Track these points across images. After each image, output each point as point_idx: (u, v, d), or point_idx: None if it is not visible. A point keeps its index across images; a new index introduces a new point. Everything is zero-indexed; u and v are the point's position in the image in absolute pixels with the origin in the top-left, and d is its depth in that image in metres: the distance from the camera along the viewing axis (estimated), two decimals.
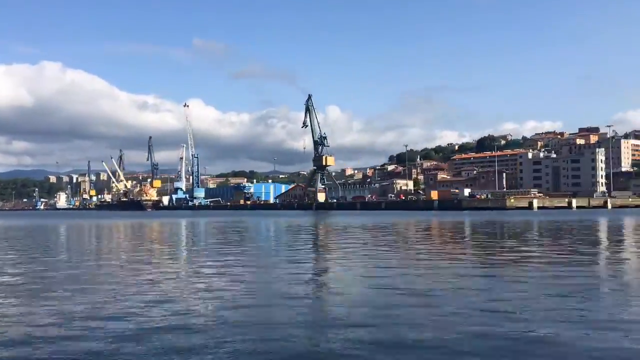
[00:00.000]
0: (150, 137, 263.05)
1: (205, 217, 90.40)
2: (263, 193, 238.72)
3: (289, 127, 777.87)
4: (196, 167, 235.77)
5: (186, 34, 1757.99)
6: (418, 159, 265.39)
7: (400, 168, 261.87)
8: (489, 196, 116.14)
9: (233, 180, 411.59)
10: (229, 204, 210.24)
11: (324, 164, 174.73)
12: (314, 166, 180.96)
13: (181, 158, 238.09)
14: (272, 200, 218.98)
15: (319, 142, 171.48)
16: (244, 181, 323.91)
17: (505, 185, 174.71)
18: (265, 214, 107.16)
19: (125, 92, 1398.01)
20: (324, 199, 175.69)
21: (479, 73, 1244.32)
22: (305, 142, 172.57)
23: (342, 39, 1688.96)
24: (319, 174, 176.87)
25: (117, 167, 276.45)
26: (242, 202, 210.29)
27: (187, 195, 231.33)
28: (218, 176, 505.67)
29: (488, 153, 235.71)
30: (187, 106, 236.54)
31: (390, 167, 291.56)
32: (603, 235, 34.10)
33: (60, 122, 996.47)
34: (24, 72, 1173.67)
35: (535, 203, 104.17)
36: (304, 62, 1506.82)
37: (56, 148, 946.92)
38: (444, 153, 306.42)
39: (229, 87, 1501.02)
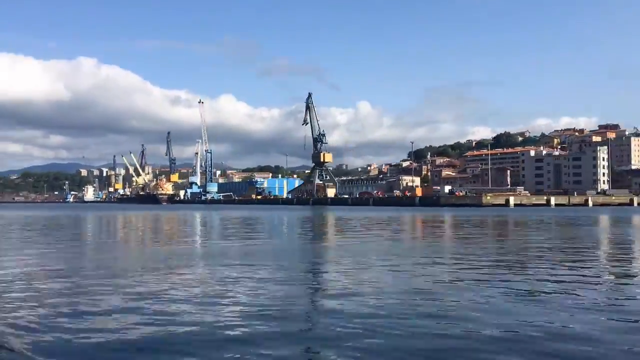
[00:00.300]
0: (168, 133, 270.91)
1: (200, 210, 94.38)
2: (277, 188, 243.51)
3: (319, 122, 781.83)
4: (209, 162, 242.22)
5: (217, 30, 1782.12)
6: (428, 156, 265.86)
7: (415, 164, 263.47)
8: (467, 193, 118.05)
9: (258, 175, 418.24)
10: (238, 198, 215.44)
11: (322, 160, 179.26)
12: (312, 162, 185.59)
13: (196, 153, 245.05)
14: (285, 195, 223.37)
15: (318, 140, 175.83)
16: (269, 176, 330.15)
17: (509, 183, 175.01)
18: (259, 208, 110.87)
19: (158, 87, 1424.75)
20: (334, 194, 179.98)
21: (512, 68, 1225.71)
22: (305, 139, 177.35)
23: (371, 34, 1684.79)
24: (317, 170, 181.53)
25: (135, 161, 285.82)
26: (252, 196, 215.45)
27: (202, 190, 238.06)
28: (244, 170, 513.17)
29: (499, 150, 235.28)
30: (202, 103, 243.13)
31: (405, 164, 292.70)
32: (497, 226, 36.63)
33: (95, 117, 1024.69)
34: (61, 68, 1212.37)
35: (512, 200, 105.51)
36: (333, 59, 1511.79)
37: (91, 142, 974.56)
38: (461, 150, 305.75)
39: (259, 83, 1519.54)
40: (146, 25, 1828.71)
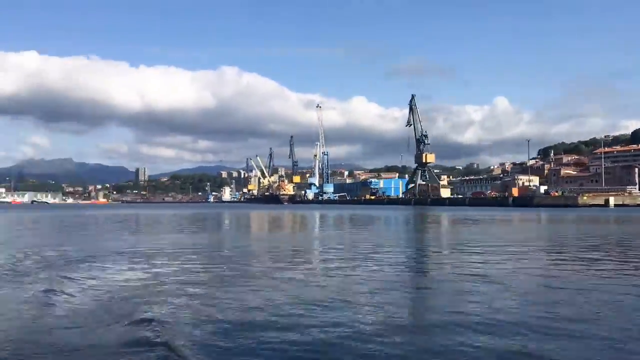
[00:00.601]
0: (291, 137, 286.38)
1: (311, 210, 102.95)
2: (392, 188, 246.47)
3: (452, 120, 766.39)
4: (326, 163, 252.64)
5: (345, 34, 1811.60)
6: (552, 154, 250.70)
7: (540, 162, 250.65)
8: (563, 193, 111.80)
9: (385, 175, 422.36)
10: (354, 198, 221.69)
11: (424, 161, 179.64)
12: (415, 163, 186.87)
13: (315, 155, 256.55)
14: (401, 195, 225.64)
15: (421, 140, 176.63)
16: (395, 176, 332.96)
17: (637, 182, 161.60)
18: (362, 208, 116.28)
19: (294, 92, 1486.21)
20: (449, 194, 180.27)
21: None
22: (409, 141, 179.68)
23: (505, 29, 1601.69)
24: (420, 171, 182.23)
25: (261, 164, 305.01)
26: (367, 196, 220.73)
27: (319, 190, 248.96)
28: (371, 171, 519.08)
29: (634, 146, 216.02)
30: (320, 107, 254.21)
31: (531, 162, 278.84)
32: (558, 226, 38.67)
33: (237, 122, 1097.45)
34: (207, 77, 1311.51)
35: (612, 201, 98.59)
36: (463, 56, 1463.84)
37: (234, 146, 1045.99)
38: (594, 146, 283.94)
39: (388, 83, 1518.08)
40: (282, 34, 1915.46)
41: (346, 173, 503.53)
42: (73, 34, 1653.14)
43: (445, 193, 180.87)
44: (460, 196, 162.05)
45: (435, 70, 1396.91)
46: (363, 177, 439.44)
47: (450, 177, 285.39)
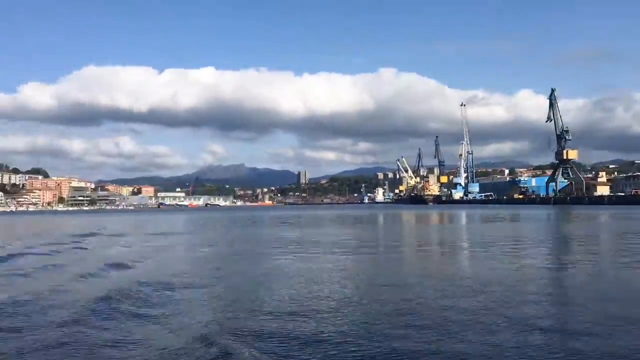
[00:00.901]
0: (437, 137, 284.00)
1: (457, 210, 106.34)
2: (546, 186, 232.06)
3: (634, 109, 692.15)
4: (471, 162, 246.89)
5: (509, 26, 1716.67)
6: None
7: None
8: None
9: (549, 172, 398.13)
10: (504, 197, 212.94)
11: (565, 157, 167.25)
12: (556, 160, 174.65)
13: (460, 155, 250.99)
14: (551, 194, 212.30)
15: (561, 136, 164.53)
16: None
17: None
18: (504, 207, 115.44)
19: (454, 89, 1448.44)
20: (607, 191, 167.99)
21: None
22: (550, 137, 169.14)
23: None
24: (561, 168, 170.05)
25: (407, 165, 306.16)
26: (515, 196, 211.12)
27: (464, 190, 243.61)
28: (535, 168, 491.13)
29: None
30: (464, 105, 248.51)
31: None
32: None
33: (397, 122, 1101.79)
34: (366, 80, 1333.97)
35: None
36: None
37: (394, 147, 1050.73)
38: None
39: (555, 73, 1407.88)
40: (438, 29, 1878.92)
41: (507, 171, 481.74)
42: (244, 49, 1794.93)
43: (604, 190, 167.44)
44: (621, 194, 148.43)
45: (613, 55, 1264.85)
46: (525, 175, 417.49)
47: (615, 173, 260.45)
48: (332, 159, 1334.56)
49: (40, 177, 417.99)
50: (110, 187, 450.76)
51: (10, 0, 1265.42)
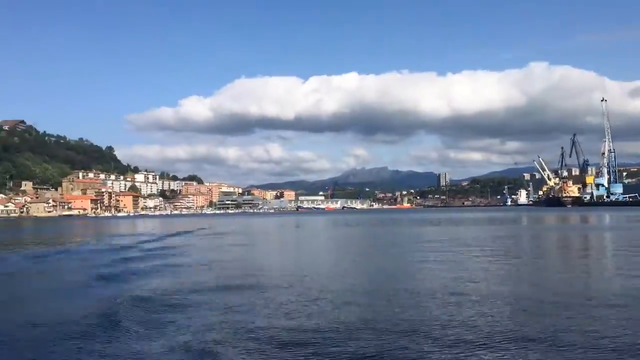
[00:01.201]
0: (574, 135, 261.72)
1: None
2: None
3: None
4: (613, 161, 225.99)
5: None
6: None
7: None
8: None
9: None
10: None
11: None
12: None
13: (603, 154, 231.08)
14: None
15: None
16: None
17: None
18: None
19: (616, 80, 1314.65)
20: None
21: None
22: None
23: None
24: None
25: (543, 164, 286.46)
26: None
27: (606, 191, 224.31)
28: None
29: None
30: (605, 101, 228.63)
31: None
32: None
33: (549, 119, 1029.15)
34: (514, 76, 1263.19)
35: None
36: None
37: (547, 145, 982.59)
38: None
39: None
40: (593, 19, 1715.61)
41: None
42: (386, 53, 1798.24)
43: None
44: None
45: None
46: None
47: None
48: (478, 159, 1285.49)
49: (194, 183, 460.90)
50: (256, 192, 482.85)
51: (173, 26, 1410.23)
